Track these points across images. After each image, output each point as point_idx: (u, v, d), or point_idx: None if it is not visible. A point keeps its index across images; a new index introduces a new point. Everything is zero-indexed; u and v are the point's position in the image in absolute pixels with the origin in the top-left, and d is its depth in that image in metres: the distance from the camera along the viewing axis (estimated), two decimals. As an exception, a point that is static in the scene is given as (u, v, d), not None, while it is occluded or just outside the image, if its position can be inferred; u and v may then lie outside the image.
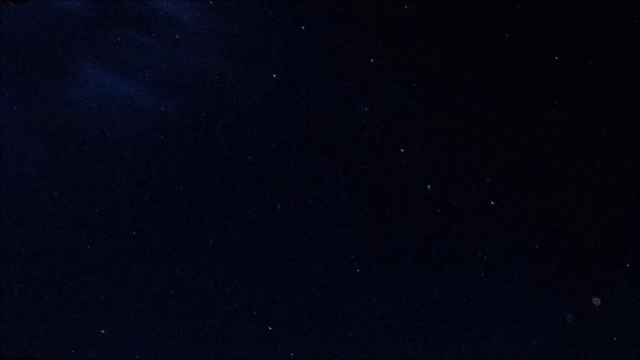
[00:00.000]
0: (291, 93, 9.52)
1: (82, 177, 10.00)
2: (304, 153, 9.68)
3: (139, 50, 9.55)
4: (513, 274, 9.28)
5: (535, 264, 9.19)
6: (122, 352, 9.96)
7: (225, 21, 9.36)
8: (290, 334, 9.79)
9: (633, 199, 8.75)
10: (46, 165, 9.98)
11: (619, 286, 8.84)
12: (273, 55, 9.45)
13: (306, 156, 9.69)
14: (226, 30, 9.41)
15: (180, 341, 9.97)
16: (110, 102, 9.76)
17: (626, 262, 8.80)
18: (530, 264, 9.21)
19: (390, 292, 9.67)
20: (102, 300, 10.05)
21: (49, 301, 10.09)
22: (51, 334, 10.05)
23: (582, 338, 9.05)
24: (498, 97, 9.02)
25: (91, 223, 10.06)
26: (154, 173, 9.96)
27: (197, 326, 9.97)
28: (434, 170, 9.34)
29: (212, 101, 9.66)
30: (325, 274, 9.81)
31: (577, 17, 8.48)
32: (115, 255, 10.03)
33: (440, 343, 9.55)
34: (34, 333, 10.06)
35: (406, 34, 9.04)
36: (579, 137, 8.85)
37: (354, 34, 9.21)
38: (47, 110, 9.87)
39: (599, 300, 8.88)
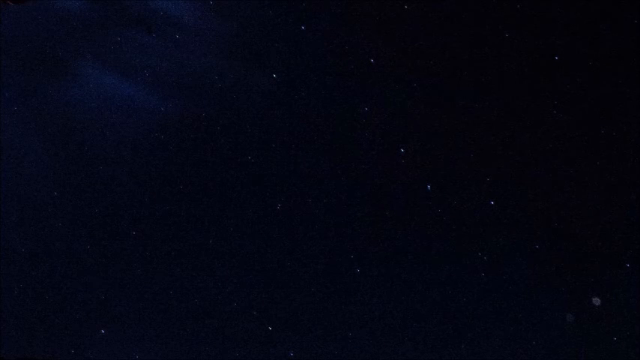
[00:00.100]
0: (291, 93, 9.52)
1: (82, 177, 10.01)
2: (304, 153, 9.68)
3: (139, 50, 9.55)
4: (513, 274, 9.28)
5: (535, 264, 9.18)
6: (122, 352, 9.97)
7: (225, 21, 9.36)
8: (290, 334, 9.79)
9: (633, 199, 8.75)
10: (46, 165, 9.99)
11: (619, 286, 8.84)
12: (273, 55, 9.46)
13: (306, 156, 9.69)
14: (226, 30, 9.41)
15: (180, 341, 9.97)
16: (110, 102, 9.77)
17: (626, 262, 8.80)
18: (530, 264, 9.21)
19: (390, 292, 9.68)
20: (102, 300, 10.06)
21: (49, 301, 10.10)
22: (51, 334, 10.06)
23: (582, 338, 9.05)
24: (498, 97, 9.02)
25: (91, 223, 10.06)
26: (154, 173, 9.96)
27: (197, 326, 9.97)
28: (434, 170, 9.34)
29: (212, 101, 9.67)
30: (325, 274, 9.81)
31: (577, 17, 8.48)
32: (115, 255, 10.03)
33: (440, 343, 9.55)
34: (34, 333, 10.06)
35: (406, 34, 9.04)
36: (579, 137, 8.85)
37: (354, 34, 9.21)
38: (47, 110, 9.88)
39: (599, 300, 8.88)
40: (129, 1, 9.43)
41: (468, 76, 9.00)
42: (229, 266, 9.95)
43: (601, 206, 8.89)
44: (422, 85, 9.19)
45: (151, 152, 9.86)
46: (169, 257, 9.97)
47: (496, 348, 9.34)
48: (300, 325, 9.83)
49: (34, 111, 9.88)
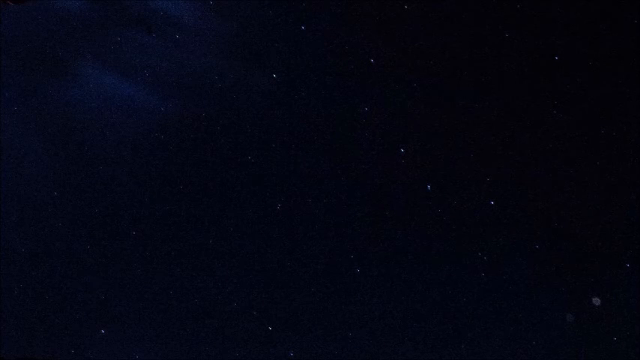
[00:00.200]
0: (291, 93, 9.52)
1: (82, 177, 10.01)
2: (304, 153, 9.68)
3: (139, 50, 9.55)
4: (513, 274, 9.28)
5: (535, 264, 9.18)
6: (122, 352, 9.97)
7: (225, 21, 9.36)
8: (290, 334, 9.79)
9: (633, 199, 8.75)
10: (46, 165, 9.99)
11: (619, 286, 8.84)
12: (273, 55, 9.46)
13: (306, 156, 9.69)
14: (226, 30, 9.41)
15: (180, 341, 9.97)
16: (110, 102, 9.77)
17: (626, 262, 8.80)
18: (530, 264, 9.21)
19: (390, 292, 9.68)
20: (102, 300, 10.06)
21: (49, 301, 10.10)
22: (51, 334, 10.06)
23: (582, 338, 9.05)
24: (498, 97, 9.02)
25: (91, 223, 10.06)
26: (154, 173, 9.96)
27: (197, 326, 9.97)
28: (434, 170, 9.34)
29: (212, 101, 9.67)
30: (325, 274, 9.81)
31: (577, 17, 8.48)
32: (115, 255, 10.03)
33: (440, 343, 9.55)
34: (34, 333, 10.06)
35: (406, 34, 9.04)
36: (579, 137, 8.85)
37: (354, 34, 9.21)
38: (47, 110, 9.88)
39: (599, 300, 8.88)
40: (129, 1, 9.43)
41: (468, 76, 9.00)
42: (229, 266, 9.95)
43: (601, 206, 8.89)
44: (422, 85, 9.19)
45: (151, 152, 9.87)
46: (169, 257, 9.97)
47: (496, 348, 9.35)
48: (300, 325, 9.84)
49: (34, 111, 9.89)
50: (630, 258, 8.78)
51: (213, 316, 9.95)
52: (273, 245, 9.87)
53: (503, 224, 9.18)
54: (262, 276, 9.92)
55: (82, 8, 9.46)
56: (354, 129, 9.52)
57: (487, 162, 9.11)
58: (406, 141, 9.34)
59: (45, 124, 9.92)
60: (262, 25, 9.34)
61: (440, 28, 8.97)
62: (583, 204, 8.95)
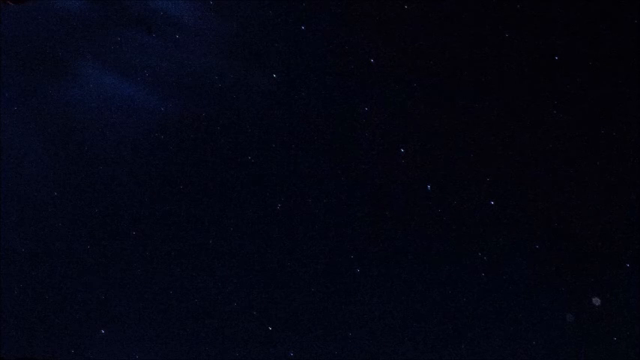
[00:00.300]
0: (291, 93, 9.52)
1: (82, 177, 10.01)
2: (304, 153, 9.68)
3: (139, 50, 9.55)
4: (513, 274, 9.28)
5: (535, 264, 9.18)
6: (122, 352, 9.97)
7: (225, 21, 9.36)
8: (290, 334, 9.79)
9: (633, 199, 8.75)
10: (46, 165, 9.99)
11: (619, 286, 8.84)
12: (273, 55, 9.46)
13: (306, 156, 9.69)
14: (226, 30, 9.41)
15: (180, 341, 9.97)
16: (110, 102, 9.77)
17: (626, 262, 8.80)
18: (530, 264, 9.21)
19: (390, 292, 9.68)
20: (102, 300, 10.06)
21: (49, 301, 10.10)
22: (51, 334, 10.06)
23: (582, 338, 9.05)
24: (498, 97, 9.02)
25: (91, 223, 10.06)
26: (154, 173, 9.96)
27: (197, 326, 9.97)
28: (434, 170, 9.34)
29: (212, 101, 9.67)
30: (325, 274, 9.81)
31: (577, 17, 8.48)
32: (115, 255, 10.03)
33: (440, 343, 9.55)
34: (34, 333, 10.06)
35: (406, 34, 9.04)
36: (579, 137, 8.85)
37: (354, 34, 9.21)
38: (47, 110, 9.88)
39: (599, 300, 8.88)
40: (129, 1, 9.44)
41: (468, 76, 9.00)
42: (229, 266, 9.95)
43: (601, 206, 8.89)
44: (422, 85, 9.19)
45: (151, 152, 9.87)
46: (169, 257, 9.97)
47: (496, 348, 9.34)
48: (300, 325, 9.83)
49: (34, 111, 9.89)
50: (630, 258, 8.78)
51: (213, 316, 9.95)
52: (273, 245, 9.88)
53: (503, 224, 9.18)
54: (262, 276, 9.93)
55: (82, 8, 9.47)
56: (354, 129, 9.53)
57: (487, 162, 9.11)
58: (406, 141, 9.34)
59: (45, 124, 9.92)
60: (262, 25, 9.35)
61: (440, 28, 8.98)
62: (583, 204, 8.95)
